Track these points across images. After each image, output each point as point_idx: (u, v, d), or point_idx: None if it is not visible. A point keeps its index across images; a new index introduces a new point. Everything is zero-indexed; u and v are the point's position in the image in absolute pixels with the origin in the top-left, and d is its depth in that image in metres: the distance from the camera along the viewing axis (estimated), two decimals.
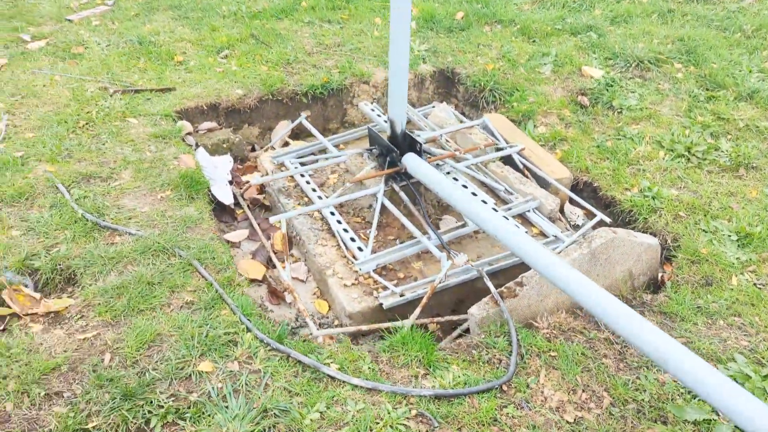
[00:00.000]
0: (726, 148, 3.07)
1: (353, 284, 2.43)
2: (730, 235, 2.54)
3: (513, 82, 3.68)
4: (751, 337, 2.07)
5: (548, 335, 2.09)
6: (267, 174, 3.12)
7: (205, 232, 2.43)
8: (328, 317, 2.45)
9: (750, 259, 2.41)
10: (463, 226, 2.70)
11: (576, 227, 2.84)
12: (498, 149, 3.13)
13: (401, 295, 2.35)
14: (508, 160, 3.12)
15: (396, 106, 2.67)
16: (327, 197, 2.84)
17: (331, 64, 3.79)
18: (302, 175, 3.00)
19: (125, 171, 2.73)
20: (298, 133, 3.58)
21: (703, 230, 2.59)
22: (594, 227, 2.73)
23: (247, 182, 3.08)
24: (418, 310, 2.28)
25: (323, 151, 3.26)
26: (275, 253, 2.70)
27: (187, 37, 4.07)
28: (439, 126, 3.32)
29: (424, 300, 2.31)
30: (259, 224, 2.88)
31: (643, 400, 1.84)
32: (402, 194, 2.75)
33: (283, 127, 3.55)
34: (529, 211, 2.81)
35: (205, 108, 3.37)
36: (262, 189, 3.12)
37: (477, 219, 2.28)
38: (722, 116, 3.31)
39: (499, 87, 3.65)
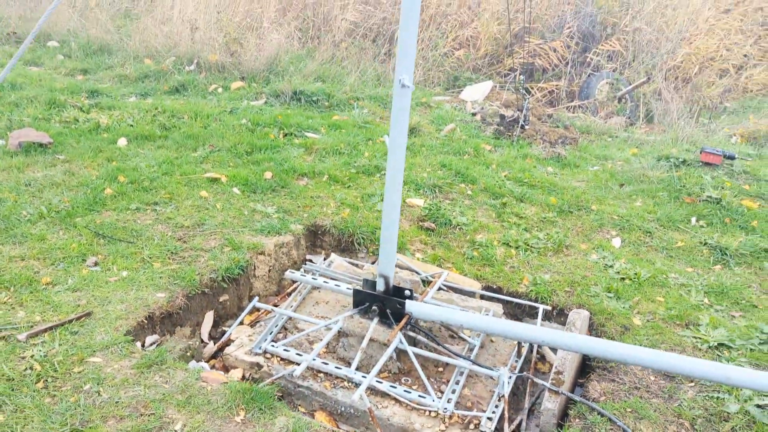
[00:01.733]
0: (541, 237, 4.33)
1: (447, 428, 2.73)
2: (607, 294, 3.72)
3: (369, 223, 4.31)
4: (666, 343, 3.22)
5: (604, 400, 2.85)
6: (251, 370, 3.03)
7: None
8: None
9: (629, 306, 3.62)
10: (462, 342, 3.23)
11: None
12: (424, 280, 3.73)
13: (489, 418, 2.77)
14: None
15: (387, 263, 3.07)
16: (356, 373, 2.98)
17: (215, 245, 3.77)
18: (314, 359, 3.03)
19: None
20: (221, 318, 3.47)
21: (590, 295, 3.71)
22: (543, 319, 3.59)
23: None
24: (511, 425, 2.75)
25: (291, 322, 3.31)
26: None
27: (22, 255, 3.45)
28: (352, 274, 3.73)
29: (506, 413, 2.79)
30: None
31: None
32: (411, 335, 3.12)
33: (210, 319, 3.40)
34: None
35: (144, 321, 3.04)
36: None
37: (497, 330, 2.89)
38: (520, 215, 4.60)
39: (362, 229, 4.23)
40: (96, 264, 3.46)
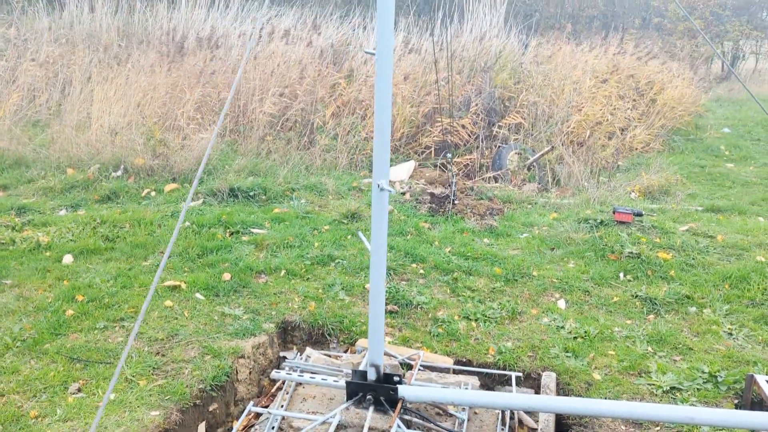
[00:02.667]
0: (495, 306, 4.69)
1: None
2: (566, 354, 4.09)
3: (335, 313, 4.50)
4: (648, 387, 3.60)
5: None
6: None
7: None
8: None
9: (586, 362, 4.00)
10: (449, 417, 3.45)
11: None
12: (401, 363, 3.94)
13: None
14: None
15: (377, 353, 3.28)
16: None
17: (195, 354, 3.83)
18: None
19: None
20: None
21: (551, 357, 4.07)
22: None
23: None
24: None
25: (285, 421, 3.41)
26: None
27: (1, 390, 3.37)
28: (331, 365, 3.89)
29: None
30: None
31: None
32: (406, 418, 3.31)
33: (202, 430, 3.44)
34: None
35: None
36: None
37: (489, 403, 3.17)
38: (471, 288, 4.96)
39: (331, 320, 4.42)
40: (79, 390, 3.43)
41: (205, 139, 7.84)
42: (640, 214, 6.06)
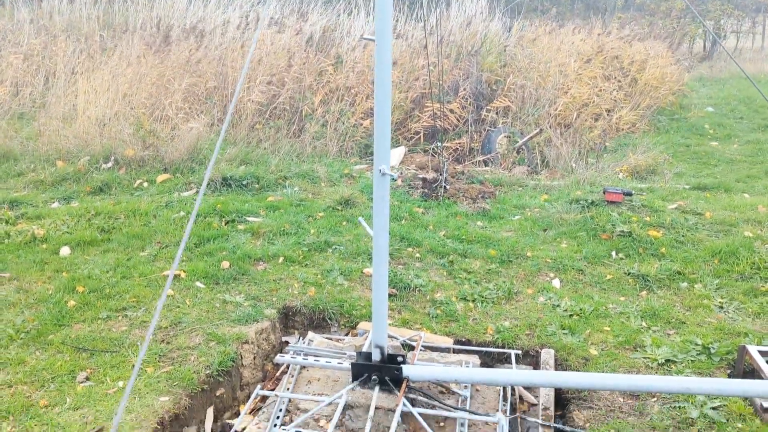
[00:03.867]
0: (492, 287, 4.77)
1: None
2: (562, 331, 4.19)
3: (335, 298, 4.56)
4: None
5: (589, 426, 3.25)
6: None
7: None
8: None
9: (583, 339, 4.10)
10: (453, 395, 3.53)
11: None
12: (403, 344, 4.01)
13: None
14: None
15: (380, 334, 3.35)
16: None
17: (200, 341, 3.88)
18: None
19: None
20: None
21: (548, 335, 4.16)
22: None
23: None
24: None
25: (292, 404, 3.48)
26: None
27: (7, 381, 3.40)
28: (334, 348, 3.96)
29: None
30: None
31: None
32: (410, 397, 3.39)
33: (210, 415, 3.50)
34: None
35: (157, 427, 3.11)
36: None
37: (491, 380, 3.26)
38: (467, 270, 5.04)
39: (331, 305, 4.48)
40: (87, 379, 3.47)
41: (194, 129, 7.82)
42: (630, 194, 6.16)
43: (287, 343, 4.34)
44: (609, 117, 10.58)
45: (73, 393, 3.34)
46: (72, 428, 3.05)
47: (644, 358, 3.84)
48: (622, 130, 10.59)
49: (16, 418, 3.12)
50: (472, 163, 8.61)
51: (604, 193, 6.18)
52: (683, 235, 5.47)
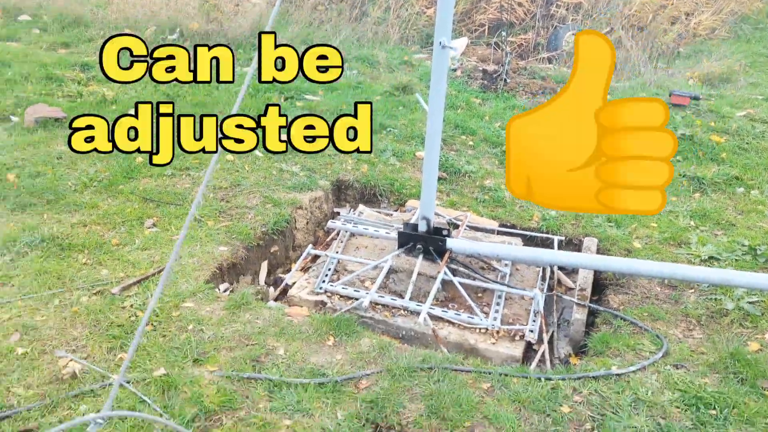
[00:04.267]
0: None
1: (496, 341, 3.20)
2: (608, 223, 4.23)
3: (386, 176, 4.68)
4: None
5: (623, 309, 3.36)
6: (316, 308, 3.42)
7: None
8: None
9: (628, 232, 4.13)
10: (493, 271, 3.69)
11: None
12: (449, 222, 4.15)
13: (530, 330, 3.26)
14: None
15: (428, 207, 3.47)
16: (410, 302, 3.40)
17: (257, 203, 4.10)
18: (381, 296, 3.43)
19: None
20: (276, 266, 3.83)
21: (593, 226, 4.21)
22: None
23: None
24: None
25: (340, 265, 3.70)
26: None
27: (82, 221, 3.71)
28: (382, 221, 4.12)
29: (543, 326, 3.27)
30: None
31: None
32: (452, 267, 3.56)
33: (265, 268, 3.76)
34: None
35: (216, 271, 3.38)
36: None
37: (534, 258, 3.37)
38: None
39: (382, 182, 4.61)
40: (154, 225, 3.75)
41: (258, 6, 7.79)
42: (697, 98, 5.94)
43: (338, 213, 4.53)
44: (687, 21, 9.96)
45: (141, 236, 3.62)
46: (140, 265, 3.34)
47: (688, 254, 3.87)
48: (700, 35, 9.98)
49: (91, 252, 3.43)
50: (536, 59, 8.35)
51: (670, 95, 5.97)
52: (747, 142, 5.30)
